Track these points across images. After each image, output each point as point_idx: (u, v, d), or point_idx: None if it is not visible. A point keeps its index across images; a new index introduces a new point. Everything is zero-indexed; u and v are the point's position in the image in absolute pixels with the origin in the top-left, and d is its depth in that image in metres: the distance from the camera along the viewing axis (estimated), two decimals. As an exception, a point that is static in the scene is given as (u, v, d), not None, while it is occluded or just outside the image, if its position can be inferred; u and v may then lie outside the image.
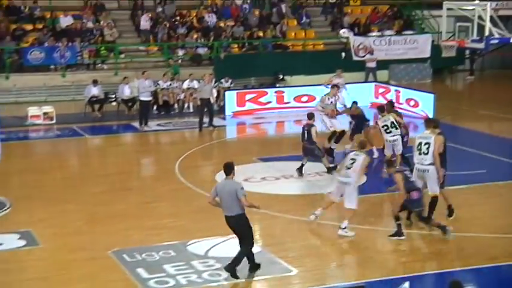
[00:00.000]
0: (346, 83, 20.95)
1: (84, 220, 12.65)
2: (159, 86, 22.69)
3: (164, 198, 14.09)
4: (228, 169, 9.97)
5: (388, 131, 14.84)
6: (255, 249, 11.06)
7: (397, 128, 14.86)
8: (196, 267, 10.35)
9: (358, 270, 10.49)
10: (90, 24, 26.74)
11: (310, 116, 15.28)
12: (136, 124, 20.79)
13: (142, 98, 20.53)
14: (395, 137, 14.84)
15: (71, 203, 13.62)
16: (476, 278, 10.22)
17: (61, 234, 11.95)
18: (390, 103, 15.85)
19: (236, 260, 9.95)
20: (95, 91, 22.47)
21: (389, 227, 12.15)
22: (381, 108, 15.28)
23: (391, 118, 14.93)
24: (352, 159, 12.10)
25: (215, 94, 22.69)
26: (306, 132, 15.15)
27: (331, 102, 16.69)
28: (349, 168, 12.00)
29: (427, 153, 11.97)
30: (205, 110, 20.22)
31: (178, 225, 12.32)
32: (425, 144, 12.04)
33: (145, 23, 26.98)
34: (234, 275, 9.92)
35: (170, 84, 23.04)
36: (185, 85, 23.17)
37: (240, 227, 9.98)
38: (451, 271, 10.27)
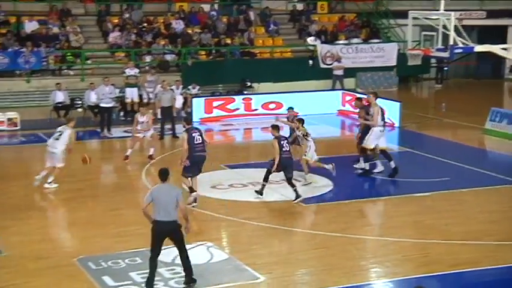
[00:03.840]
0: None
1: (49, 227, 12.51)
2: (126, 73, 22.47)
3: (131, 205, 13.98)
4: (164, 175, 9.89)
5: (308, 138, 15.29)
6: (223, 255, 11.08)
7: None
8: (163, 274, 10.29)
9: (324, 276, 10.53)
10: (56, 30, 26.48)
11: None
12: (103, 131, 20.64)
13: (102, 105, 20.36)
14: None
15: (36, 210, 13.46)
16: (441, 284, 10.35)
17: (25, 242, 11.78)
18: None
19: (189, 269, 9.93)
20: (60, 97, 22.27)
21: (358, 234, 12.28)
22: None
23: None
24: (59, 132, 14.71)
25: (182, 101, 22.65)
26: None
27: None
28: (57, 139, 14.61)
29: None
30: (166, 117, 20.00)
31: (145, 232, 12.12)
32: None
33: (114, 34, 26.72)
34: (193, 280, 9.94)
35: (138, 72, 22.83)
36: (156, 90, 23.09)
37: (177, 233, 9.79)
38: (417, 277, 10.39)
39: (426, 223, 12.94)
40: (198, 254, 11.19)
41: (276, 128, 14.27)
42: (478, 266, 10.84)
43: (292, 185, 13.99)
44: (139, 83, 22.98)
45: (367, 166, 15.90)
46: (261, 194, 14.19)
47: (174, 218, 9.69)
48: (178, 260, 10.79)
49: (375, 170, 15.98)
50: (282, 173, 14.00)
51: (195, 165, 13.69)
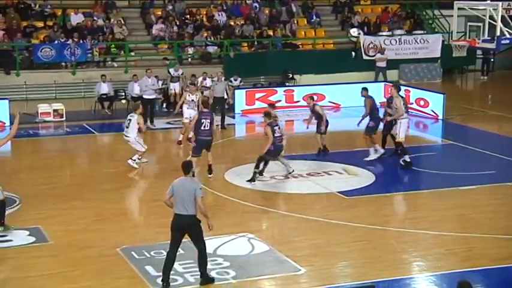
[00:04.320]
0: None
1: (93, 217, 12.70)
2: (171, 74, 22.65)
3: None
4: (187, 168, 9.75)
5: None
6: (264, 247, 11.11)
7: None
8: (205, 265, 10.36)
9: (366, 269, 10.48)
10: (100, 22, 26.82)
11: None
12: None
13: (145, 96, 20.53)
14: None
15: (80, 200, 13.67)
16: (485, 278, 10.19)
17: (70, 231, 12.00)
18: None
19: (204, 266, 9.76)
20: (104, 88, 22.55)
21: (400, 227, 12.17)
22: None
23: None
24: (128, 119, 15.72)
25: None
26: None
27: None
28: (127, 127, 15.65)
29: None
30: (217, 108, 20.17)
31: (187, 223, 12.32)
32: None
33: (157, 26, 26.99)
34: (210, 279, 9.81)
35: (182, 73, 22.95)
36: (198, 83, 23.25)
37: (194, 227, 9.58)
38: (460, 271, 10.25)
39: (470, 217, 12.75)
40: (239, 245, 11.24)
41: (268, 114, 14.87)
42: (523, 261, 10.65)
43: (257, 166, 14.59)
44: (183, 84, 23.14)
45: (407, 158, 15.75)
46: (254, 181, 14.60)
47: (191, 213, 9.50)
48: (220, 251, 10.88)
49: (367, 158, 16.13)
50: (324, 164, 13.97)
51: (198, 147, 14.81)
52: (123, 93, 23.15)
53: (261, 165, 14.75)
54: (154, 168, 17.09)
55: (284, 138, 14.94)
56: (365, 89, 16.85)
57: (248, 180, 14.65)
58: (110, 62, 26.16)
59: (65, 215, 12.83)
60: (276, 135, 14.55)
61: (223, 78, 21.77)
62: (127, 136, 15.86)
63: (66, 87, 24.95)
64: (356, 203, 13.59)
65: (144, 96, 20.60)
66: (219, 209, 13.02)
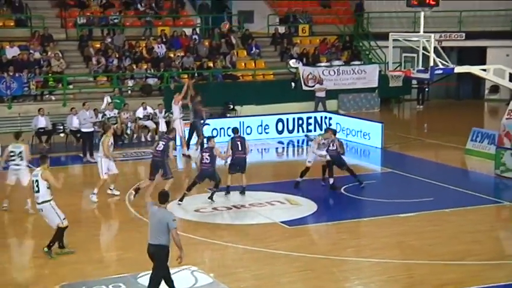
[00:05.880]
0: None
1: (31, 254, 12.36)
2: (106, 116, 22.50)
3: (113, 230, 13.87)
4: (164, 198, 9.77)
5: (12, 158, 14.99)
6: (207, 279, 11.00)
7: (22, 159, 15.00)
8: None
9: (310, 299, 10.50)
10: (37, 55, 26.39)
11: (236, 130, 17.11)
12: (85, 156, 20.54)
13: (83, 130, 20.36)
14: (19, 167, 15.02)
15: (17, 237, 13.30)
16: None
17: (7, 269, 11.64)
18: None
19: None
20: (42, 122, 22.15)
21: (342, 256, 12.26)
22: None
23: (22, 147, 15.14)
24: (99, 140, 16.31)
25: (165, 125, 22.67)
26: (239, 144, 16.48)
27: None
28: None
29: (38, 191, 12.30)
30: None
31: (129, 257, 12.14)
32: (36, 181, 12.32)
33: (95, 58, 26.78)
34: None
35: (118, 113, 22.84)
36: (139, 114, 23.12)
37: (159, 256, 9.65)
38: (402, 298, 10.38)
39: (410, 244, 12.96)
40: (182, 278, 11.10)
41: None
42: (462, 286, 10.85)
43: (189, 189, 15.60)
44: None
45: (299, 179, 16.73)
46: (181, 201, 15.29)
47: (158, 242, 9.56)
48: (163, 285, 10.70)
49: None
50: (266, 194, 13.96)
51: (152, 168, 15.76)
52: (62, 127, 22.79)
53: (192, 188, 15.58)
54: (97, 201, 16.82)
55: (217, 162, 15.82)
56: (210, 138, 16.47)
57: (180, 200, 15.31)
58: (47, 96, 25.70)
59: (2, 252, 12.44)
60: (203, 161, 15.45)
61: (164, 111, 21.77)
62: (98, 156, 16.33)
63: (2, 121, 24.36)
64: (298, 232, 13.64)
65: (83, 130, 20.38)
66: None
